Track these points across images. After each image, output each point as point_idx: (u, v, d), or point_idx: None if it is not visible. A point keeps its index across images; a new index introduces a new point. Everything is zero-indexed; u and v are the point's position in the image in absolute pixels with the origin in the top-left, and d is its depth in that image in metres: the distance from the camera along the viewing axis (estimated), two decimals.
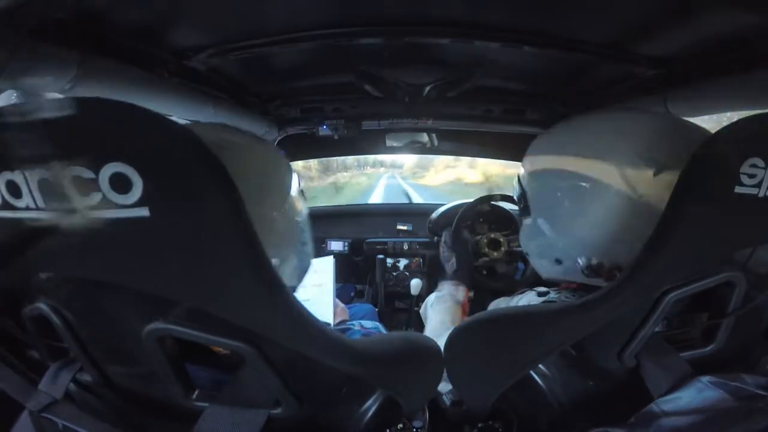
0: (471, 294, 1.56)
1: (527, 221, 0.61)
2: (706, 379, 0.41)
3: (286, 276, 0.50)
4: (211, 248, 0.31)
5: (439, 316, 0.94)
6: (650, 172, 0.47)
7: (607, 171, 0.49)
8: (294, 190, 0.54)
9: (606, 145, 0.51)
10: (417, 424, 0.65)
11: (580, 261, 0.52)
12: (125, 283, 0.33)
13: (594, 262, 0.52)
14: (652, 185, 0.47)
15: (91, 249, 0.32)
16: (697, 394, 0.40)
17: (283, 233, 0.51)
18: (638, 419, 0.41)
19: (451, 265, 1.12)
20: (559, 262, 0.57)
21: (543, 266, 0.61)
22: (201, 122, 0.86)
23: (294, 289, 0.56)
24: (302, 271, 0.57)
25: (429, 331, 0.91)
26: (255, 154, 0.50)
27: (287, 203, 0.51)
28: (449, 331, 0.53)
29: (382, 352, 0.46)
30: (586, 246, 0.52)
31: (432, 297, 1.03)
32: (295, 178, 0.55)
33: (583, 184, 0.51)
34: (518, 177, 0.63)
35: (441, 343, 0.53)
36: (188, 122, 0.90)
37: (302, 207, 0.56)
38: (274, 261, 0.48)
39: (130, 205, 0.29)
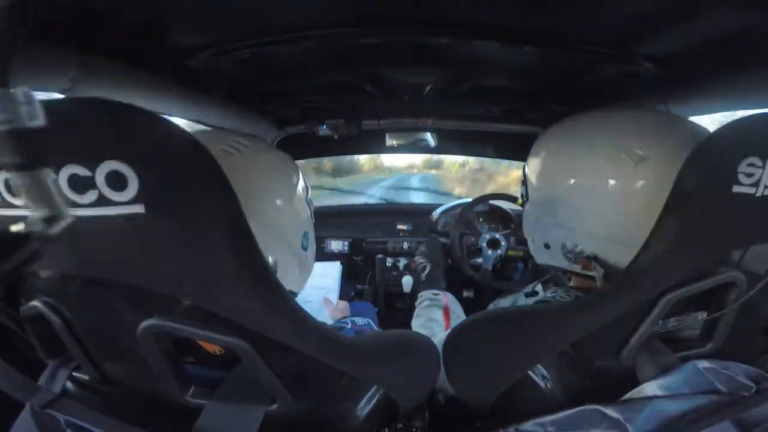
0: (471, 293, 1.57)
1: (526, 207, 0.68)
2: (702, 364, 0.43)
3: (285, 280, 0.51)
4: (205, 245, 0.32)
5: (426, 318, 0.89)
6: (631, 165, 0.51)
7: (591, 166, 0.55)
8: (299, 196, 0.55)
9: (593, 143, 0.56)
10: (417, 423, 0.65)
11: (567, 244, 0.58)
12: (122, 280, 0.34)
13: (576, 248, 0.57)
14: (633, 177, 0.51)
15: (88, 246, 0.32)
16: (689, 379, 0.43)
17: (284, 237, 0.51)
18: (632, 398, 0.43)
19: (427, 274, 1.07)
20: (547, 246, 0.62)
21: (537, 251, 0.67)
22: (216, 129, 0.87)
23: (295, 294, 0.56)
24: (303, 275, 0.57)
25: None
26: (262, 159, 0.51)
27: (291, 208, 0.52)
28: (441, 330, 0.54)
29: (374, 348, 0.46)
30: (568, 233, 0.58)
31: (417, 310, 0.95)
32: (301, 184, 0.56)
33: (571, 179, 0.56)
34: (524, 168, 0.70)
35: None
36: (206, 128, 0.90)
37: (307, 213, 0.57)
38: (271, 260, 0.48)
39: (125, 202, 0.30)
